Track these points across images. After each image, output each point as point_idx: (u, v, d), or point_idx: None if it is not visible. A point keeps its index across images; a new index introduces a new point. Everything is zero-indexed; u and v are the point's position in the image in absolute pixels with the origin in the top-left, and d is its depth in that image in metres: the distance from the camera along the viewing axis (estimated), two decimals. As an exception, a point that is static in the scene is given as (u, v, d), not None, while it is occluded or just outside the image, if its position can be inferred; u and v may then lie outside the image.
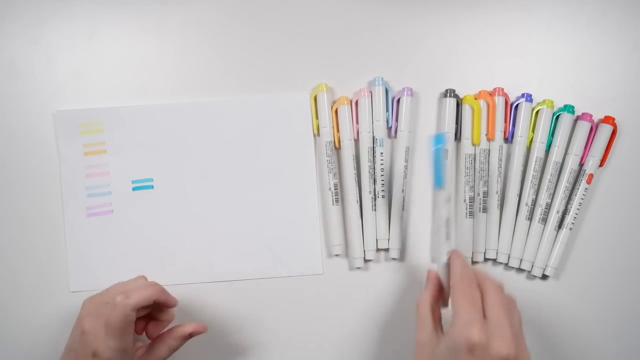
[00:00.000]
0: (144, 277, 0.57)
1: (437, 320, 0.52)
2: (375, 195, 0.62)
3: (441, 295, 0.54)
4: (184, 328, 0.55)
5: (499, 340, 0.46)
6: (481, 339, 0.46)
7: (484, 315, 0.48)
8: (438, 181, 0.54)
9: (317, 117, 0.62)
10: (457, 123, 0.62)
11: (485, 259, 0.62)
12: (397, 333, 0.62)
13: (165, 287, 0.56)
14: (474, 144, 0.62)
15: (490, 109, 0.61)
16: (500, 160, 0.62)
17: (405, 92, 0.62)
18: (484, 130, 0.62)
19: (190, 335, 0.56)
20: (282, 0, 0.63)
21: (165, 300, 0.55)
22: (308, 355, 0.61)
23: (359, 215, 0.62)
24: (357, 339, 0.62)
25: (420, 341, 0.51)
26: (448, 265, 0.53)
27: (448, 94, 0.62)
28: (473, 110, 0.61)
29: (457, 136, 0.62)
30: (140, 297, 0.52)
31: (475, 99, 0.62)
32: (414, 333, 0.62)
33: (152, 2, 0.63)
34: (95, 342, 0.51)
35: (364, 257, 0.62)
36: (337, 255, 0.62)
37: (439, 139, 0.54)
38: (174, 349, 0.56)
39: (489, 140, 0.62)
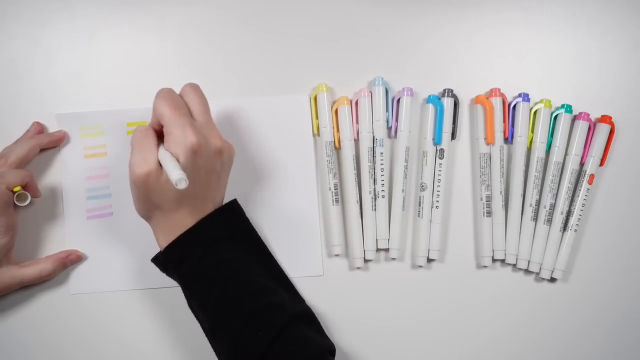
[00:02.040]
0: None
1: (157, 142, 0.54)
2: (375, 195, 0.62)
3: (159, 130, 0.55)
4: (58, 254, 0.60)
5: (212, 137, 0.53)
6: (200, 140, 0.51)
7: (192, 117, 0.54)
8: (438, 137, 0.61)
9: (317, 117, 0.62)
10: (454, 123, 0.62)
11: (494, 260, 0.62)
12: (397, 333, 0.62)
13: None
14: (488, 143, 0.62)
15: (488, 113, 0.61)
16: (502, 160, 0.62)
17: (405, 92, 0.62)
18: (482, 135, 0.62)
19: (65, 261, 0.60)
20: (282, 0, 0.63)
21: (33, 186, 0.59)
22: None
23: (359, 215, 0.62)
24: (358, 340, 0.62)
25: (147, 170, 0.52)
26: None
27: (446, 94, 0.62)
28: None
29: (454, 136, 0.62)
30: (15, 179, 0.57)
31: (474, 103, 0.62)
32: (414, 334, 0.62)
33: (152, 2, 0.63)
34: None
35: (364, 257, 0.62)
36: (337, 255, 0.62)
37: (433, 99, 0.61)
38: (46, 274, 0.59)
39: (487, 144, 0.62)
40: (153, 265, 0.56)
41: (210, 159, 0.53)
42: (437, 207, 0.61)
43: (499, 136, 0.62)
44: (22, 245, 0.61)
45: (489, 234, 0.62)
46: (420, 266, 0.62)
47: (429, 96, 0.62)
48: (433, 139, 0.61)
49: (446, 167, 0.62)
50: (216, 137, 0.54)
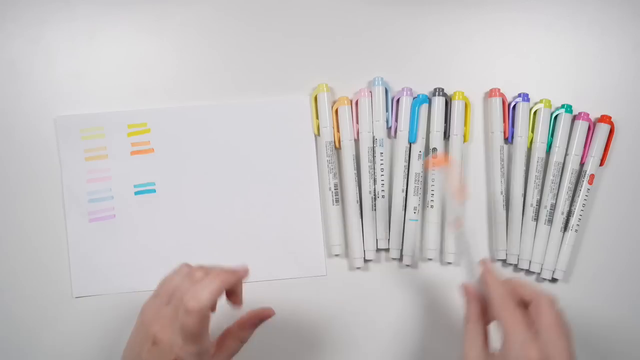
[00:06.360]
0: (188, 265, 0.51)
1: (485, 338, 0.50)
2: (375, 195, 0.62)
3: (486, 310, 0.50)
4: (251, 318, 0.53)
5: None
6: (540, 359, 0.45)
7: (535, 330, 0.47)
8: (412, 135, 0.60)
9: (317, 117, 0.62)
10: (446, 122, 0.62)
11: (495, 260, 0.62)
12: (397, 333, 0.62)
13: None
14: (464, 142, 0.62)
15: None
16: (502, 160, 0.62)
17: (405, 92, 0.62)
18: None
19: (260, 322, 0.53)
20: (282, 0, 0.63)
21: (234, 283, 0.50)
22: (311, 357, 0.62)
23: (359, 215, 0.61)
24: (358, 340, 0.62)
25: None
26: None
27: (437, 93, 0.62)
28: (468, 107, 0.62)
29: (446, 135, 0.62)
30: (211, 295, 0.47)
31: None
32: (414, 334, 0.62)
33: (152, 2, 0.63)
34: (172, 352, 0.47)
35: (364, 257, 0.61)
36: (336, 255, 0.62)
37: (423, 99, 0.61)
38: (245, 340, 0.53)
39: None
40: (157, 267, 0.55)
41: None
42: (432, 206, 0.61)
43: (499, 136, 0.62)
44: (25, 251, 0.61)
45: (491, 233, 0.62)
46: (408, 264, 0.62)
47: (418, 95, 0.62)
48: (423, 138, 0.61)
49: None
50: None
